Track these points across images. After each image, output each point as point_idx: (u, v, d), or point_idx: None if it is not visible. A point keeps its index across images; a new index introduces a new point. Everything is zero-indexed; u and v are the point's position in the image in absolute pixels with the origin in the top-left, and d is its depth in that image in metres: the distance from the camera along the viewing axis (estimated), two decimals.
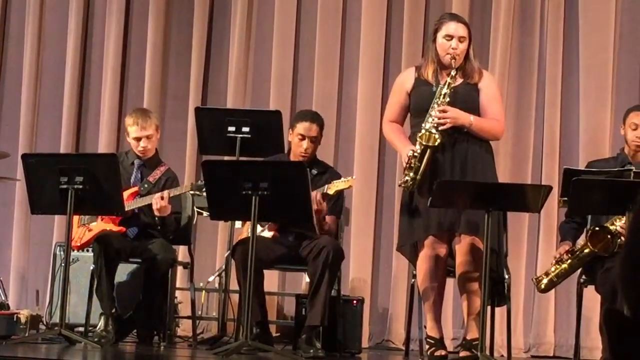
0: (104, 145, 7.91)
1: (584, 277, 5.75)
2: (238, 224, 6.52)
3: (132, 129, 6.48)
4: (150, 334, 6.39)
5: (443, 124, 5.50)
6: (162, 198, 6.21)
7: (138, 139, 6.48)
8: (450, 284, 6.17)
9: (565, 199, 5.55)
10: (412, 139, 5.62)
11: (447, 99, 5.54)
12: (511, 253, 6.39)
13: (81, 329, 6.41)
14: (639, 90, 7.28)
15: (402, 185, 5.60)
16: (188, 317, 6.92)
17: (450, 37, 5.62)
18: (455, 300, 6.91)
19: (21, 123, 8.10)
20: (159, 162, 6.62)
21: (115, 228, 6.35)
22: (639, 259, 1.79)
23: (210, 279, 7.08)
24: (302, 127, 6.14)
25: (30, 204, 6.03)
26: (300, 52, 7.88)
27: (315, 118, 6.24)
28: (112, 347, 6.00)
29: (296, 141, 6.15)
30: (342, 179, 6.03)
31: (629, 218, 5.28)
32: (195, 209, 6.74)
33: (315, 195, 5.82)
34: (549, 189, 5.48)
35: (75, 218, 6.25)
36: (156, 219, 6.32)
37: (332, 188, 5.95)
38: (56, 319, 6.38)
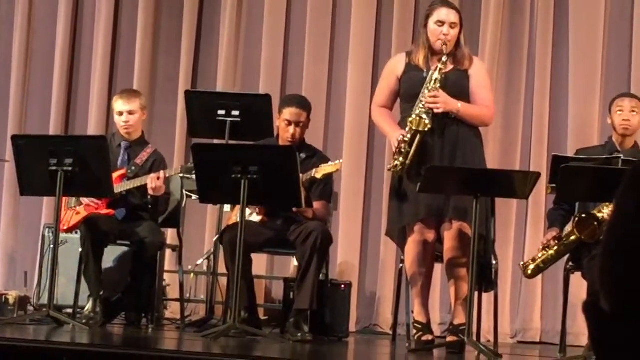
0: (93, 127, 7.91)
1: (570, 263, 5.78)
2: (227, 207, 6.54)
3: (117, 104, 6.51)
4: (138, 316, 6.40)
5: (434, 109, 5.51)
6: (158, 178, 6.21)
7: (121, 113, 6.48)
8: (438, 269, 6.20)
9: (554, 185, 5.57)
10: (402, 124, 5.63)
11: (438, 85, 5.56)
12: (499, 239, 6.42)
13: (69, 310, 6.41)
14: (627, 79, 7.30)
15: (392, 170, 5.62)
16: (176, 300, 6.94)
17: (441, 23, 5.64)
18: (443, 285, 6.93)
19: (10, 105, 8.10)
20: (145, 144, 6.62)
21: (104, 211, 6.35)
22: (613, 247, 1.81)
23: (199, 262, 7.10)
24: (288, 112, 6.14)
25: (20, 185, 6.02)
26: (291, 38, 7.89)
27: (301, 103, 6.23)
28: (100, 329, 6.01)
29: (283, 126, 6.16)
30: (330, 162, 6.04)
31: None
32: (185, 192, 6.74)
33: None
34: (537, 175, 5.50)
35: (63, 201, 6.25)
36: (149, 198, 6.32)
37: (320, 172, 5.95)
38: (44, 300, 6.39)
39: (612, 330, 1.78)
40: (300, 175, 5.80)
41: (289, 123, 6.13)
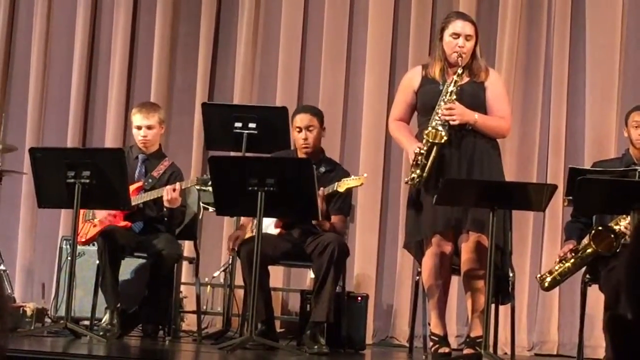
0: (110, 139, 7.94)
1: (588, 276, 5.76)
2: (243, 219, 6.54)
3: (135, 117, 6.52)
4: (155, 328, 6.42)
5: (450, 121, 5.52)
6: (174, 190, 6.23)
7: (139, 128, 6.50)
8: (455, 281, 6.19)
9: (570, 198, 5.57)
10: (420, 137, 5.64)
11: (454, 97, 5.56)
12: (516, 251, 6.41)
13: (87, 322, 6.43)
14: None
15: (409, 182, 5.62)
16: (193, 312, 6.94)
17: (457, 35, 5.64)
18: (460, 297, 6.92)
19: (28, 117, 8.13)
20: (162, 156, 6.63)
21: (121, 223, 6.36)
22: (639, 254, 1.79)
23: (216, 274, 7.11)
24: (298, 119, 6.19)
25: (37, 197, 6.05)
26: (307, 49, 7.90)
27: (309, 109, 6.29)
28: (117, 341, 6.02)
29: (296, 135, 6.19)
30: (353, 176, 6.04)
31: (633, 218, 5.29)
32: (201, 204, 6.76)
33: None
34: (554, 188, 5.50)
35: (80, 213, 6.27)
36: (164, 209, 6.34)
37: (343, 185, 5.95)
38: (62, 312, 6.40)
39: (636, 337, 1.77)
40: (323, 188, 5.82)
41: (300, 129, 6.15)
